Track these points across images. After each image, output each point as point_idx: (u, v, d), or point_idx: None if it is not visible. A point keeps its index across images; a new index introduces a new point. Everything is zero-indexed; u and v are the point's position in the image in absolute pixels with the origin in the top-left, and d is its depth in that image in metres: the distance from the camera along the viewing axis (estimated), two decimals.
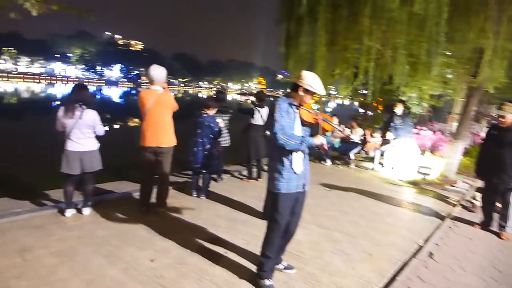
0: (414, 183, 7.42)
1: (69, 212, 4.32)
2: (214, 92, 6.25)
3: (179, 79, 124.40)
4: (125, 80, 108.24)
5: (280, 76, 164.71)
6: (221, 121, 5.27)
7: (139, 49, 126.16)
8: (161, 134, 4.31)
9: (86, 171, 4.20)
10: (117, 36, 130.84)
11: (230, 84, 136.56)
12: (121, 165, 7.84)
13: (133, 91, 74.42)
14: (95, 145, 4.25)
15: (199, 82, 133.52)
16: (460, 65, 7.35)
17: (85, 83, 4.31)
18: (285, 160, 2.86)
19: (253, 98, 6.60)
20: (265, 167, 6.97)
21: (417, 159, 7.90)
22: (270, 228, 3.01)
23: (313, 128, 2.98)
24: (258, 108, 6.19)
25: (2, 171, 7.53)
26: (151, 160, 4.44)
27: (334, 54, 8.30)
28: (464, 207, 6.04)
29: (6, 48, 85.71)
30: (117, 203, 4.92)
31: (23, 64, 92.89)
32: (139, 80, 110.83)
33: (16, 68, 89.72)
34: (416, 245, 4.25)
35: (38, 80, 79.46)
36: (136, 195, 5.28)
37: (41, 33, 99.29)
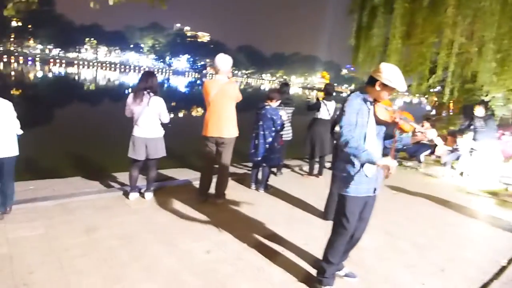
0: (494, 194, 6.63)
1: (133, 196, 4.47)
2: (279, 84, 6.08)
3: (243, 71, 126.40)
4: (191, 70, 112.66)
5: (344, 71, 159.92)
6: (284, 114, 5.11)
7: (206, 41, 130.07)
8: (223, 124, 4.25)
9: (150, 157, 4.30)
10: (186, 28, 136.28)
11: (293, 78, 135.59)
12: (183, 152, 8.06)
13: (198, 81, 77.22)
14: (160, 132, 4.33)
15: (262, 75, 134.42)
16: None
17: (153, 71, 4.37)
18: (355, 161, 2.60)
19: (318, 93, 6.33)
20: (327, 164, 6.73)
21: (498, 166, 7.06)
22: (335, 233, 2.79)
23: (389, 127, 2.68)
24: (325, 101, 5.92)
25: (78, 152, 8.11)
26: (212, 150, 4.42)
27: (409, 48, 7.70)
28: None
29: (88, 39, 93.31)
30: (177, 190, 5.00)
31: (102, 54, 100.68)
32: (204, 71, 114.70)
33: (96, 57, 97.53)
34: (498, 265, 3.74)
35: (114, 69, 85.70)
36: (196, 183, 5.32)
37: (119, 25, 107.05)
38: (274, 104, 4.96)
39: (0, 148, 3.53)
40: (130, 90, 35.07)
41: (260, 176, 5.33)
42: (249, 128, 5.14)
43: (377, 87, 2.55)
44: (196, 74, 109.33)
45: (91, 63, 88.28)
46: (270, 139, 4.90)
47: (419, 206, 5.48)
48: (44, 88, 30.13)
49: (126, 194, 4.57)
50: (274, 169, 6.12)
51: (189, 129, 12.28)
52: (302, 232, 3.99)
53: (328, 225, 4.24)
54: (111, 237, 3.45)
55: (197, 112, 20.85)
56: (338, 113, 4.56)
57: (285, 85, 6.03)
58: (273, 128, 4.88)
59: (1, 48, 73.85)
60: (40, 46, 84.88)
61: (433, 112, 13.71)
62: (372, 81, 2.58)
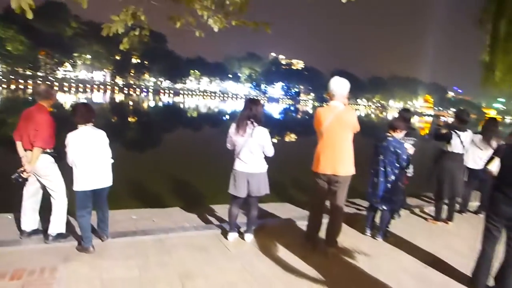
0: None
1: (232, 236, 4.00)
2: (398, 111, 5.13)
3: None
4: (285, 97, 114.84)
5: (451, 94, 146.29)
6: (410, 147, 4.21)
7: (300, 68, 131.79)
8: (338, 159, 3.55)
9: (252, 194, 3.79)
10: (280, 56, 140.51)
11: (391, 102, 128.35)
12: (281, 183, 7.53)
13: (292, 108, 78.07)
14: (264, 167, 3.80)
15: (357, 100, 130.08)
16: None
17: (257, 98, 3.92)
18: None
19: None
20: (457, 206, 5.50)
21: None
22: None
23: None
24: (457, 131, 4.82)
25: (178, 180, 8.16)
26: (324, 189, 3.73)
27: None
28: None
29: (193, 71, 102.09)
30: (279, 231, 4.40)
31: (204, 84, 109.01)
32: (298, 97, 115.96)
33: (199, 87, 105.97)
34: None
35: (214, 97, 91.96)
36: (300, 223, 4.69)
37: (219, 57, 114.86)
38: (399, 135, 4.10)
39: (99, 178, 3.43)
40: (227, 117, 37.07)
41: (376, 219, 4.44)
42: (362, 162, 4.32)
43: None
44: (290, 100, 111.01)
45: (194, 93, 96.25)
46: (392, 177, 4.02)
47: None
48: (155, 116, 33.21)
49: (224, 233, 4.14)
50: None
51: (285, 156, 11.81)
52: None
53: None
54: None
55: (290, 137, 20.59)
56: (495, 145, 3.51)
57: (406, 111, 5.10)
58: (397, 164, 4.00)
59: (124, 82, 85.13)
60: (153, 79, 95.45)
61: None
62: None
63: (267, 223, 4.62)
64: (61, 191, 3.58)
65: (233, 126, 3.73)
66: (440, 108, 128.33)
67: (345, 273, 3.46)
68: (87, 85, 70.07)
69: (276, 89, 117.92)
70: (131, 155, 12.20)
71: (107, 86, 76.31)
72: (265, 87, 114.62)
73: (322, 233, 3.97)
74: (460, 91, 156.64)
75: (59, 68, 74.11)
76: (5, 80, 54.97)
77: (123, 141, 14.58)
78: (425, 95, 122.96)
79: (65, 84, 65.27)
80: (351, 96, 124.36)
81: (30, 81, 58.37)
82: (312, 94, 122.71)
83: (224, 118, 35.74)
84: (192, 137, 19.62)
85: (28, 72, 63.84)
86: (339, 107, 3.57)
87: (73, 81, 73.15)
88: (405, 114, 4.88)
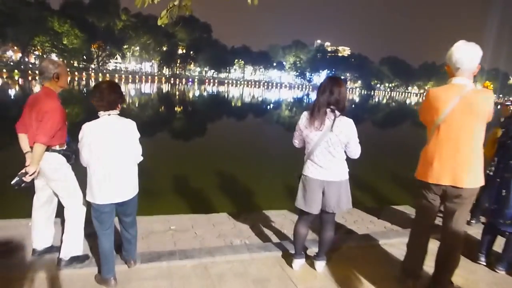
0: None
1: (298, 264, 2.98)
2: None
3: (386, 84, 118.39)
4: None
5: None
6: None
7: (346, 55, 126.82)
8: (464, 164, 2.36)
9: (328, 210, 2.72)
10: (326, 43, 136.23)
11: None
12: None
13: None
14: (345, 173, 2.70)
15: (408, 87, 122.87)
16: None
17: (339, 77, 2.78)
18: None
19: None
20: None
21: None
22: None
23: None
24: None
25: (225, 175, 7.27)
26: (434, 206, 2.58)
27: None
28: None
29: (237, 60, 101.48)
30: (359, 256, 3.31)
31: (248, 73, 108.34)
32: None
33: (243, 76, 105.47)
34: None
35: (258, 86, 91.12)
36: (383, 243, 3.59)
37: (264, 45, 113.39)
38: None
39: (123, 188, 2.51)
40: (271, 105, 36.14)
41: (492, 245, 3.22)
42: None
43: None
44: None
45: (238, 82, 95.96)
46: None
47: None
48: (200, 105, 32.91)
49: (286, 257, 3.15)
50: None
51: None
52: None
53: None
54: None
55: None
56: None
57: None
58: None
59: (170, 72, 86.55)
60: (198, 69, 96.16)
61: None
62: None
63: (341, 243, 3.55)
64: (75, 201, 2.73)
65: (304, 116, 2.66)
66: (500, 95, 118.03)
67: None
68: (136, 76, 72.11)
69: (322, 77, 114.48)
70: (175, 146, 11.56)
71: (155, 77, 77.97)
72: (310, 75, 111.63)
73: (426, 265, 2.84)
74: None
75: (110, 60, 76.92)
76: None
77: (169, 131, 14.04)
78: (484, 82, 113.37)
79: (116, 75, 67.51)
80: (401, 83, 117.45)
81: (84, 74, 61.63)
82: (359, 82, 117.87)
83: (268, 107, 35.07)
84: (237, 127, 18.81)
85: (82, 65, 66.77)
86: (467, 86, 2.38)
87: (123, 72, 75.66)
88: None
